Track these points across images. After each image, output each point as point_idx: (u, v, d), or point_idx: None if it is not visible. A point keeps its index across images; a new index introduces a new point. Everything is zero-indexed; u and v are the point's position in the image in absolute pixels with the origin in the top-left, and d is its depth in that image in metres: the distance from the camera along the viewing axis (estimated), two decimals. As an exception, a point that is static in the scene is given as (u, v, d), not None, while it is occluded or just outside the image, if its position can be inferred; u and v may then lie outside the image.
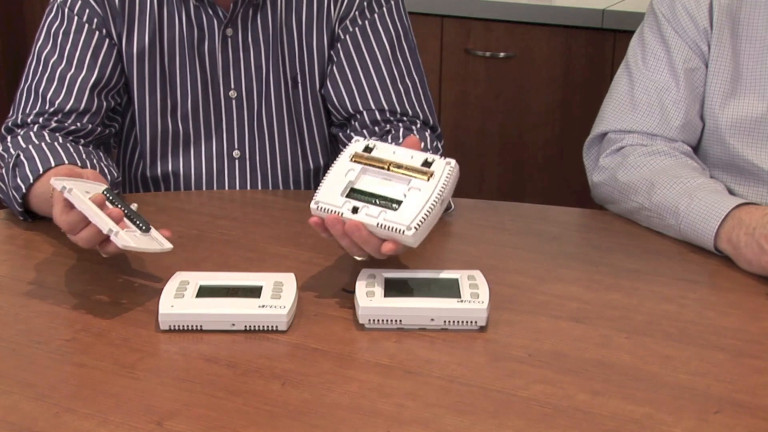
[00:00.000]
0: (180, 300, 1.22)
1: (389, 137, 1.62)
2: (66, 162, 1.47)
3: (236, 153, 1.71)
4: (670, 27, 1.62)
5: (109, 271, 1.37)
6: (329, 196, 1.28)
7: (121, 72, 1.65)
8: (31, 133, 1.56)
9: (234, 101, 1.68)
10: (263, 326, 1.21)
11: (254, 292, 1.24)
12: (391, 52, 1.66)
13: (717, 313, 1.28)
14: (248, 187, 1.72)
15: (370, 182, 1.30)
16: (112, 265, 1.37)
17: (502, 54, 2.74)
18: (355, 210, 1.26)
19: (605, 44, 2.63)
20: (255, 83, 1.68)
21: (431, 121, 1.68)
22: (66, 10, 1.61)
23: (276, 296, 1.23)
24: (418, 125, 1.66)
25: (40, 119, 1.59)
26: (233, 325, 1.21)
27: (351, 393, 1.09)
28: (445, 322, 1.22)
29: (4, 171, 1.53)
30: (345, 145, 1.66)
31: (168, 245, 1.29)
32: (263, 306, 1.21)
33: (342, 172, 1.30)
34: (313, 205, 1.28)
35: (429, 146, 1.60)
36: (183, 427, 1.03)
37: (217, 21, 1.63)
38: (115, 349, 1.17)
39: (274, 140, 1.71)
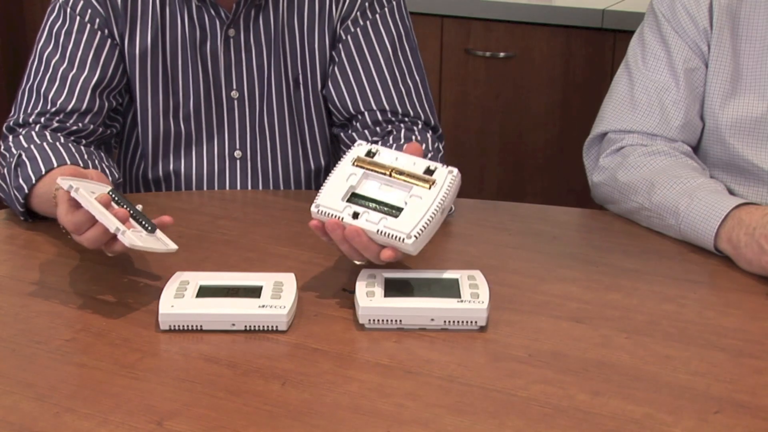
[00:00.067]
0: (180, 300, 1.22)
1: (390, 138, 1.62)
2: (68, 162, 1.47)
3: (237, 153, 1.71)
4: (670, 27, 1.62)
5: (110, 271, 1.37)
6: (330, 200, 1.28)
7: (123, 72, 1.65)
8: (33, 133, 1.56)
9: (236, 101, 1.68)
10: (263, 326, 1.21)
11: (254, 292, 1.24)
12: (393, 52, 1.66)
13: (717, 313, 1.28)
14: (249, 188, 1.72)
15: (372, 187, 1.30)
16: (112, 265, 1.38)
17: (502, 54, 2.74)
18: (355, 215, 1.26)
19: (605, 44, 2.63)
20: (257, 84, 1.68)
21: (432, 122, 1.68)
22: (68, 9, 1.61)
23: (276, 296, 1.23)
24: (420, 126, 1.66)
25: (42, 119, 1.59)
26: (233, 325, 1.21)
27: (351, 393, 1.09)
28: (445, 322, 1.22)
29: (5, 171, 1.53)
30: (346, 146, 1.67)
31: (173, 246, 1.29)
32: (263, 306, 1.21)
33: (344, 176, 1.30)
34: (313, 209, 1.28)
35: (430, 148, 1.60)
36: (183, 427, 1.03)
37: (220, 21, 1.63)
38: (115, 349, 1.17)
39: (276, 141, 1.71)
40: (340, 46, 1.66)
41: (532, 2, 2.69)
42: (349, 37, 1.66)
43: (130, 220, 1.28)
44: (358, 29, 1.65)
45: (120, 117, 1.70)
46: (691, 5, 1.61)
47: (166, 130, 1.69)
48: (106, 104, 1.63)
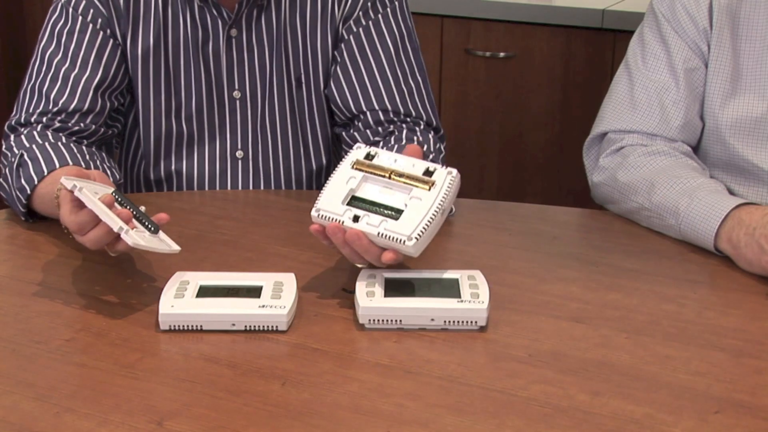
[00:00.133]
0: (180, 300, 1.22)
1: (392, 138, 1.62)
2: (70, 163, 1.47)
3: (239, 153, 1.71)
4: (670, 27, 1.62)
5: (110, 271, 1.37)
6: (330, 203, 1.28)
7: (125, 72, 1.65)
8: (35, 133, 1.56)
9: (238, 102, 1.68)
10: (263, 326, 1.21)
11: (254, 292, 1.24)
12: (395, 52, 1.66)
13: (717, 313, 1.28)
14: (251, 188, 1.72)
15: (372, 190, 1.30)
16: (112, 265, 1.38)
17: (502, 54, 2.74)
18: (356, 218, 1.26)
19: (605, 44, 2.63)
20: (259, 84, 1.68)
21: (434, 122, 1.68)
22: (70, 9, 1.61)
23: (276, 296, 1.23)
24: (422, 126, 1.66)
25: (44, 119, 1.59)
26: (233, 325, 1.21)
27: (351, 393, 1.09)
28: (445, 322, 1.22)
29: (7, 170, 1.53)
30: (347, 145, 1.67)
31: (176, 247, 1.29)
32: (263, 306, 1.21)
33: (343, 179, 1.30)
34: (314, 213, 1.28)
35: (432, 148, 1.60)
36: (183, 427, 1.03)
37: (222, 22, 1.63)
38: (115, 349, 1.17)
39: (277, 141, 1.71)
40: (342, 45, 1.66)
41: (532, 2, 2.69)
42: (351, 36, 1.66)
43: (133, 220, 1.28)
44: (361, 29, 1.65)
45: (121, 117, 1.70)
46: (691, 5, 1.61)
47: (167, 130, 1.69)
48: (108, 104, 1.63)
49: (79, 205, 1.26)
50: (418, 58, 1.70)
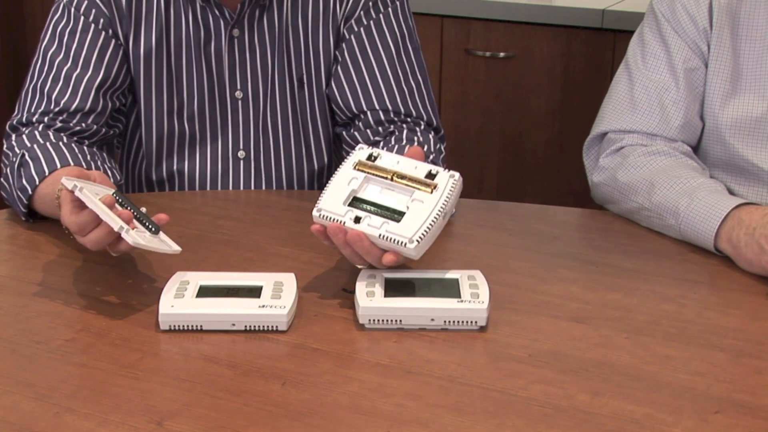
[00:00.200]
0: (180, 300, 1.22)
1: (392, 138, 1.62)
2: (71, 163, 1.47)
3: (241, 153, 1.71)
4: (670, 27, 1.62)
5: (110, 271, 1.37)
6: (332, 204, 1.28)
7: (127, 72, 1.65)
8: (36, 133, 1.56)
9: (240, 102, 1.68)
10: (263, 326, 1.21)
11: (254, 292, 1.24)
12: (396, 52, 1.66)
13: (717, 313, 1.28)
14: (252, 188, 1.72)
15: (373, 192, 1.30)
16: (112, 266, 1.38)
17: (502, 54, 2.74)
18: (357, 220, 1.26)
19: (605, 44, 2.63)
20: (261, 84, 1.68)
21: (435, 123, 1.68)
22: (72, 9, 1.61)
23: (276, 296, 1.23)
24: (422, 126, 1.66)
25: (45, 118, 1.59)
26: (233, 325, 1.21)
27: (351, 393, 1.09)
28: (445, 322, 1.22)
29: (8, 170, 1.53)
30: (348, 145, 1.67)
31: (176, 247, 1.29)
32: (263, 306, 1.21)
33: (345, 180, 1.30)
34: (315, 213, 1.28)
35: (432, 149, 1.60)
36: (183, 427, 1.03)
37: (224, 22, 1.63)
38: (115, 349, 1.17)
39: (279, 141, 1.71)
40: (344, 45, 1.66)
41: (532, 2, 2.69)
42: (352, 36, 1.66)
43: (134, 221, 1.28)
44: (362, 29, 1.66)
45: (123, 117, 1.70)
46: (691, 5, 1.61)
47: (169, 130, 1.69)
48: (110, 104, 1.63)
49: (80, 205, 1.26)
50: (419, 58, 1.70)
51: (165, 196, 1.68)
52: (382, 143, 1.62)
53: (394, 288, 1.25)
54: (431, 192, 1.28)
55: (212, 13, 1.63)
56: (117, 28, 1.62)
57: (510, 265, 1.40)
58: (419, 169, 1.30)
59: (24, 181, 1.47)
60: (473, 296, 1.23)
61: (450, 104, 2.83)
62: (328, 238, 1.28)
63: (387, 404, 1.07)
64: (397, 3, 1.68)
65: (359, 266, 1.31)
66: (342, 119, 1.70)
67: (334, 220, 1.27)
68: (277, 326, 1.21)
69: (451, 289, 1.25)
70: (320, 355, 1.17)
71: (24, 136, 1.55)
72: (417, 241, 1.24)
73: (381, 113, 1.65)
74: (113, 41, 1.62)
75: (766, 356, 1.18)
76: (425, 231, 1.24)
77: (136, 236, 1.22)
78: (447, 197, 1.27)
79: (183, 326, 1.21)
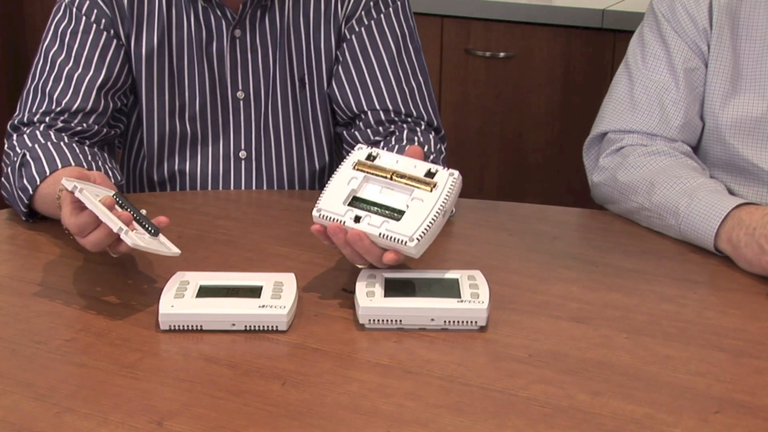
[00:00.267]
0: (180, 300, 1.22)
1: (393, 138, 1.62)
2: (72, 164, 1.47)
3: (242, 153, 1.71)
4: (670, 27, 1.62)
5: (110, 271, 1.37)
6: (331, 204, 1.28)
7: (128, 73, 1.65)
8: (37, 132, 1.56)
9: (241, 102, 1.68)
10: (263, 326, 1.21)
11: (254, 292, 1.24)
12: (397, 52, 1.66)
13: (717, 313, 1.28)
14: (254, 188, 1.72)
15: (373, 191, 1.30)
16: (112, 266, 1.38)
17: (502, 54, 2.74)
18: (357, 219, 1.26)
19: (605, 44, 2.63)
20: (262, 84, 1.68)
21: (435, 123, 1.68)
22: (74, 9, 1.61)
23: (276, 296, 1.23)
24: (423, 126, 1.66)
25: (47, 118, 1.59)
26: (233, 325, 1.21)
27: (351, 393, 1.09)
28: (445, 322, 1.22)
29: (9, 170, 1.53)
30: (349, 145, 1.67)
31: (176, 250, 1.29)
32: (263, 306, 1.21)
33: (344, 180, 1.30)
34: (315, 213, 1.28)
35: (432, 149, 1.60)
36: (183, 427, 1.03)
37: (226, 22, 1.63)
38: (115, 349, 1.17)
39: (280, 141, 1.71)
40: (344, 45, 1.66)
41: (532, 2, 2.69)
42: (353, 36, 1.66)
43: (134, 223, 1.28)
44: (363, 29, 1.66)
45: (124, 117, 1.70)
46: (691, 5, 1.61)
47: (171, 130, 1.69)
48: (111, 104, 1.63)
49: (80, 206, 1.26)
50: (420, 58, 1.70)
51: (165, 196, 1.68)
52: (382, 143, 1.62)
53: (394, 288, 1.25)
54: (431, 190, 1.28)
55: (214, 14, 1.63)
56: (119, 29, 1.62)
57: (510, 265, 1.40)
58: (418, 168, 1.30)
59: (25, 181, 1.47)
60: (473, 296, 1.23)
61: (450, 104, 2.83)
62: (329, 238, 1.28)
63: (387, 404, 1.07)
64: (398, 3, 1.68)
65: (359, 266, 1.31)
66: (343, 119, 1.70)
67: (334, 219, 1.27)
68: (277, 326, 1.21)
69: (451, 289, 1.25)
70: (320, 355, 1.17)
71: (25, 136, 1.56)
72: (417, 239, 1.24)
73: (381, 113, 1.65)
74: (115, 41, 1.62)
75: (766, 356, 1.18)
76: (425, 229, 1.24)
77: (135, 238, 1.22)
78: (447, 195, 1.27)
79: (183, 326, 1.21)
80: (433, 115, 1.68)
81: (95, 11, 1.61)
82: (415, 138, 1.61)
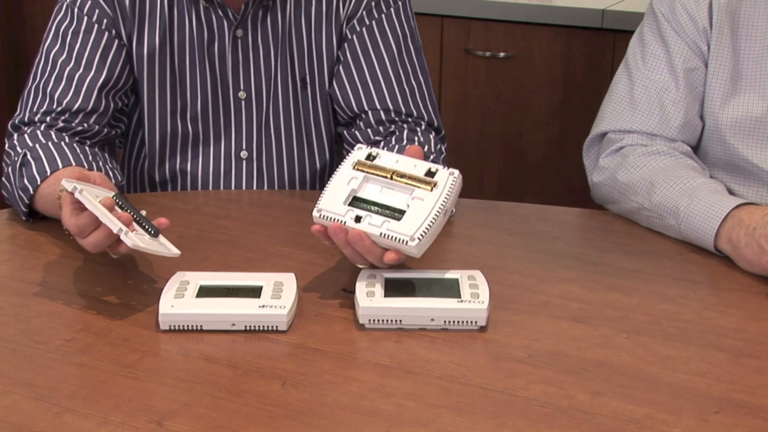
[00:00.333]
0: (180, 300, 1.22)
1: (393, 138, 1.62)
2: (73, 164, 1.47)
3: (243, 153, 1.71)
4: (670, 27, 1.62)
5: (110, 271, 1.37)
6: (332, 204, 1.28)
7: (129, 73, 1.65)
8: (38, 132, 1.56)
9: (243, 102, 1.68)
10: (263, 326, 1.21)
11: (254, 292, 1.24)
12: (398, 52, 1.66)
13: (717, 313, 1.28)
14: (255, 188, 1.72)
15: (373, 191, 1.30)
16: (112, 266, 1.38)
17: (502, 54, 2.74)
18: (358, 219, 1.26)
19: (605, 44, 2.63)
20: (264, 84, 1.68)
21: (435, 123, 1.69)
22: (75, 9, 1.61)
23: (276, 296, 1.23)
24: (423, 126, 1.66)
25: (48, 118, 1.59)
26: (233, 325, 1.21)
27: (351, 393, 1.09)
28: (445, 322, 1.22)
29: (9, 169, 1.53)
30: (349, 144, 1.67)
31: (176, 251, 1.29)
32: (263, 306, 1.21)
33: (344, 180, 1.30)
34: (315, 213, 1.28)
35: (432, 149, 1.60)
36: (183, 427, 1.03)
37: (227, 22, 1.63)
38: (115, 349, 1.17)
39: (281, 141, 1.71)
40: (346, 45, 1.66)
41: (532, 2, 2.69)
42: (354, 36, 1.66)
43: (133, 224, 1.28)
44: (364, 29, 1.66)
45: (125, 118, 1.70)
46: (691, 5, 1.61)
47: (173, 130, 1.69)
48: (112, 105, 1.63)
49: (80, 207, 1.26)
50: (421, 58, 1.70)
51: (165, 196, 1.68)
52: (382, 143, 1.62)
53: (394, 288, 1.25)
54: (431, 190, 1.28)
55: (215, 14, 1.63)
56: (120, 29, 1.62)
57: (510, 265, 1.40)
58: (418, 167, 1.30)
59: (25, 181, 1.47)
60: (473, 296, 1.23)
61: (450, 104, 2.83)
62: (329, 239, 1.28)
63: (387, 404, 1.07)
64: (399, 3, 1.68)
65: (360, 266, 1.31)
66: (343, 119, 1.70)
67: (334, 219, 1.27)
68: (277, 326, 1.21)
69: (451, 289, 1.25)
70: (320, 355, 1.17)
71: (26, 136, 1.56)
72: (418, 238, 1.24)
73: (382, 113, 1.65)
74: (116, 41, 1.62)
75: (766, 356, 1.18)
76: (426, 228, 1.24)
77: (135, 239, 1.22)
78: (447, 195, 1.27)
79: (183, 326, 1.21)
80: (433, 115, 1.69)
81: (97, 11, 1.61)
82: (416, 138, 1.61)
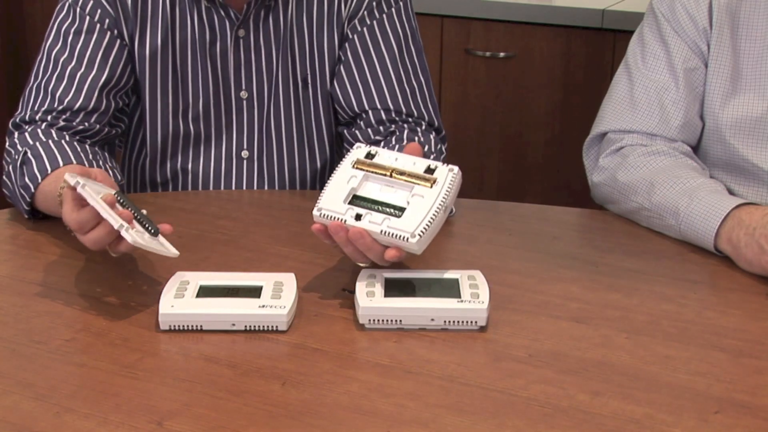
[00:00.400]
0: (180, 300, 1.22)
1: (393, 138, 1.62)
2: (74, 162, 1.48)
3: (244, 153, 1.71)
4: (670, 27, 1.62)
5: (110, 271, 1.37)
6: (332, 203, 1.28)
7: (131, 73, 1.65)
8: (39, 131, 1.56)
9: (245, 102, 1.68)
10: (263, 326, 1.21)
11: (254, 292, 1.24)
12: (399, 52, 1.66)
13: (717, 313, 1.28)
14: (255, 187, 1.72)
15: (373, 189, 1.30)
16: (112, 265, 1.38)
17: (502, 54, 2.74)
18: (358, 217, 1.26)
19: (605, 44, 2.63)
20: (265, 84, 1.68)
21: (436, 123, 1.69)
22: (78, 9, 1.61)
23: (276, 296, 1.23)
24: (423, 126, 1.66)
25: (49, 117, 1.59)
26: (233, 325, 1.21)
27: (351, 393, 1.09)
28: (445, 322, 1.22)
29: (10, 167, 1.53)
30: (349, 144, 1.67)
31: (175, 251, 1.29)
32: (263, 306, 1.21)
33: (344, 179, 1.30)
34: (315, 213, 1.28)
35: (433, 149, 1.60)
36: (183, 427, 1.03)
37: (230, 22, 1.64)
38: (115, 349, 1.17)
39: (282, 141, 1.71)
40: (347, 44, 1.66)
41: (532, 2, 2.69)
42: (355, 35, 1.66)
43: (134, 222, 1.27)
44: (365, 28, 1.66)
45: (125, 117, 1.70)
46: (691, 5, 1.61)
47: (174, 130, 1.69)
48: (113, 104, 1.63)
49: (81, 203, 1.26)
50: (422, 59, 1.70)
51: (166, 196, 1.68)
52: (383, 143, 1.62)
53: (394, 288, 1.25)
54: (431, 186, 1.28)
55: (217, 14, 1.63)
56: (122, 29, 1.62)
57: (510, 265, 1.40)
58: (418, 164, 1.30)
59: (26, 179, 1.48)
60: (473, 296, 1.23)
61: (450, 104, 2.83)
62: (330, 237, 1.28)
63: (387, 404, 1.07)
64: (401, 3, 1.68)
65: (361, 264, 1.31)
66: (344, 118, 1.70)
67: (334, 218, 1.27)
68: (277, 326, 1.21)
69: (451, 289, 1.25)
70: (320, 355, 1.17)
71: (26, 134, 1.56)
72: (419, 235, 1.24)
73: (382, 113, 1.65)
74: (118, 41, 1.62)
75: (766, 356, 1.18)
76: (427, 225, 1.25)
77: (135, 236, 1.22)
78: (447, 191, 1.27)
79: (183, 326, 1.21)
80: (434, 115, 1.69)
81: (99, 11, 1.61)
82: (416, 138, 1.61)
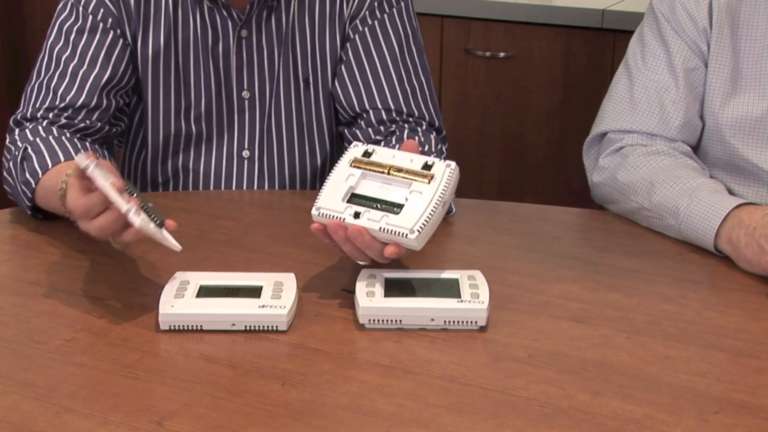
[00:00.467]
0: (180, 300, 1.22)
1: (393, 138, 1.62)
2: (74, 157, 1.47)
3: (246, 153, 1.71)
4: (670, 27, 1.62)
5: (110, 271, 1.37)
6: (330, 201, 1.28)
7: (133, 72, 1.65)
8: (40, 128, 1.56)
9: (247, 102, 1.68)
10: (263, 326, 1.21)
11: (254, 292, 1.24)
12: (400, 52, 1.66)
13: (717, 313, 1.28)
14: (256, 187, 1.72)
15: (371, 187, 1.30)
16: (112, 265, 1.38)
17: (502, 54, 2.74)
18: (356, 215, 1.26)
19: (605, 44, 2.63)
20: (267, 84, 1.68)
21: (437, 123, 1.69)
22: (80, 8, 1.61)
23: (276, 296, 1.23)
24: (424, 126, 1.66)
25: (50, 114, 1.59)
26: (233, 325, 1.21)
27: (351, 393, 1.09)
28: (445, 322, 1.22)
29: (11, 164, 1.53)
30: (349, 144, 1.67)
31: (178, 246, 1.28)
32: (263, 306, 1.21)
33: (342, 177, 1.30)
34: (314, 212, 1.28)
35: (433, 149, 1.60)
36: (183, 427, 1.03)
37: (232, 22, 1.64)
38: (115, 349, 1.17)
39: (283, 141, 1.71)
40: (348, 44, 1.66)
41: (532, 2, 2.69)
42: (356, 35, 1.66)
43: (141, 211, 1.26)
44: (366, 28, 1.66)
45: (125, 116, 1.70)
46: (691, 5, 1.61)
47: (176, 130, 1.69)
48: (114, 103, 1.63)
49: (89, 189, 1.24)
50: (422, 59, 1.70)
51: (166, 196, 1.68)
52: (383, 143, 1.62)
53: (394, 288, 1.25)
54: (429, 182, 1.28)
55: (220, 14, 1.63)
56: (125, 28, 1.62)
57: (510, 265, 1.40)
58: (415, 161, 1.30)
59: (27, 175, 1.48)
60: (473, 296, 1.23)
61: (450, 104, 2.83)
62: (329, 236, 1.27)
63: (387, 404, 1.07)
64: (402, 4, 1.68)
65: (360, 262, 1.31)
66: (344, 118, 1.70)
67: (333, 217, 1.27)
68: (277, 326, 1.21)
69: (451, 289, 1.25)
70: (320, 355, 1.17)
71: (27, 131, 1.56)
72: (418, 231, 1.24)
73: (383, 112, 1.65)
74: (121, 41, 1.62)
75: (766, 356, 1.18)
76: (425, 221, 1.25)
77: (143, 222, 1.20)
78: (445, 186, 1.27)
79: (183, 326, 1.21)
80: (434, 115, 1.69)
81: (102, 10, 1.61)
82: (416, 138, 1.61)
